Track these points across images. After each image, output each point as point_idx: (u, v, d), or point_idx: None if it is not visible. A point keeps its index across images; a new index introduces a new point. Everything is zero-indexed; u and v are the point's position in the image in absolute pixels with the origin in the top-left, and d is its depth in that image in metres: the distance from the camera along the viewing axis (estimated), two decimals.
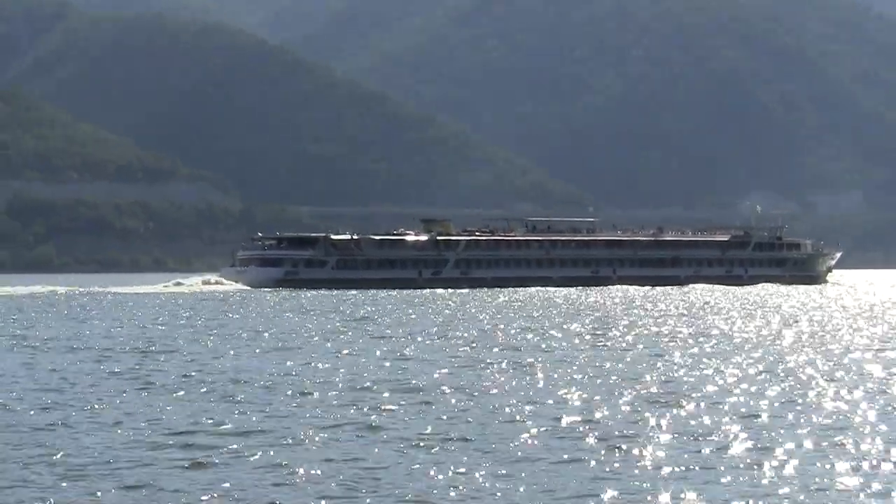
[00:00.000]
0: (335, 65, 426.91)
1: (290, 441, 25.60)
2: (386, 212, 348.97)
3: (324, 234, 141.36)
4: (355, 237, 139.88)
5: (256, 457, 23.85)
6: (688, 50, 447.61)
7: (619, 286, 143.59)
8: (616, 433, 26.28)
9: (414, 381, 36.62)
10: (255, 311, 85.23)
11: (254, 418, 29.00)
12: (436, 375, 38.36)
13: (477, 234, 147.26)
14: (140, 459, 23.89)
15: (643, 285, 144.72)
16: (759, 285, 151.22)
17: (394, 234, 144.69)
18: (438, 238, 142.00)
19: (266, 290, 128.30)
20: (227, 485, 21.34)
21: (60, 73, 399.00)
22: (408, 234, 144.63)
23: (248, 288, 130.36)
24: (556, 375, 37.96)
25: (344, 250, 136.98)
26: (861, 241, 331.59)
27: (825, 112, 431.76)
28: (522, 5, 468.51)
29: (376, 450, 24.60)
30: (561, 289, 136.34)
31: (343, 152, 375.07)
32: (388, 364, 42.37)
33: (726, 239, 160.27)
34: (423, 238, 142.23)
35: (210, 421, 28.70)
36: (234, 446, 25.09)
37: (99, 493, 20.90)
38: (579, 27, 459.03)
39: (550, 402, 31.48)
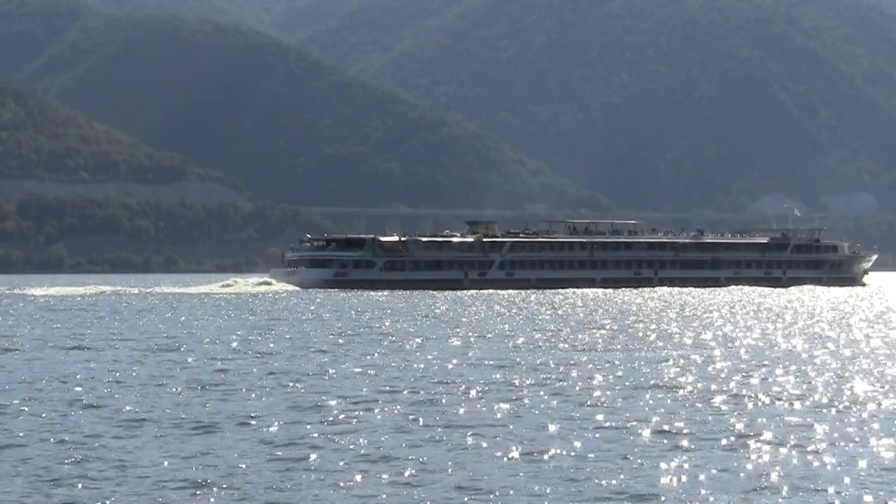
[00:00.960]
0: (347, 65, 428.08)
1: None
2: (398, 212, 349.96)
3: (372, 236, 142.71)
4: (403, 238, 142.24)
5: None
6: (701, 50, 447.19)
7: (663, 287, 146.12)
8: None
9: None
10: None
11: None
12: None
13: (521, 236, 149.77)
14: None
15: (684, 286, 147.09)
16: (799, 287, 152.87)
17: (440, 236, 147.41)
18: (484, 240, 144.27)
19: (316, 290, 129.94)
20: None
21: (73, 73, 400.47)
22: (454, 235, 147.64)
23: (298, 288, 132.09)
24: None
25: (392, 252, 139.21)
26: (873, 242, 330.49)
27: (839, 113, 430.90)
28: (536, 6, 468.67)
29: None
30: (605, 290, 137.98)
31: (355, 152, 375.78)
32: None
33: (765, 241, 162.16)
34: (469, 240, 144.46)
35: None
36: None
37: None
38: (593, 27, 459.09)
39: None
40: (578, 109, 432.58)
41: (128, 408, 31.74)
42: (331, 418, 29.83)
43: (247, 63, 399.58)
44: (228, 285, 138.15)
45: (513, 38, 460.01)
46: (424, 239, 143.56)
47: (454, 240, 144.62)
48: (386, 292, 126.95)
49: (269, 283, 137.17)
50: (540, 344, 52.64)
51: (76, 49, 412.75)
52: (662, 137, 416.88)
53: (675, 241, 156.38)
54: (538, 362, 43.60)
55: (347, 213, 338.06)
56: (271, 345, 52.48)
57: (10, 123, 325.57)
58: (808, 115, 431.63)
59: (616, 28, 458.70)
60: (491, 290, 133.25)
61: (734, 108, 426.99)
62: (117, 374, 39.95)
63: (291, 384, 36.96)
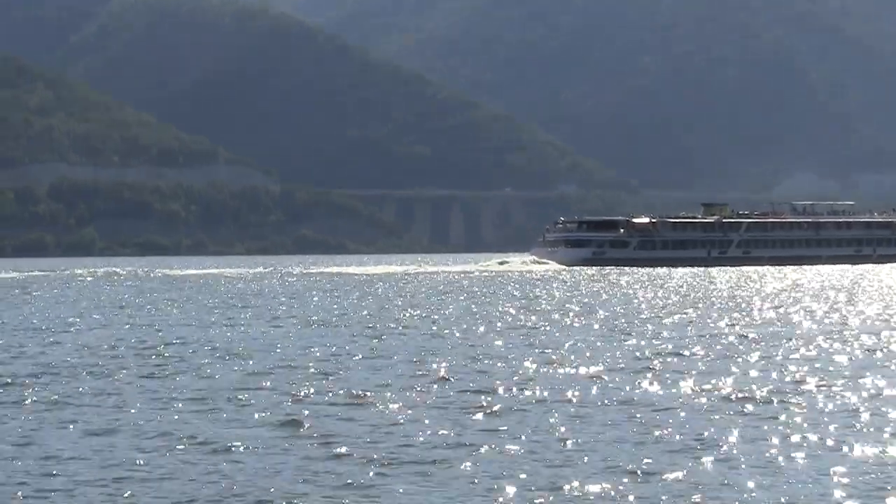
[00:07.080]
0: (373, 47, 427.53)
1: None
2: (429, 195, 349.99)
3: (626, 218, 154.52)
4: (653, 220, 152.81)
5: None
6: (729, 30, 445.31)
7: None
8: None
9: None
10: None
11: None
12: None
13: (752, 217, 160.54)
14: None
15: None
16: None
17: (683, 218, 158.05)
18: (724, 221, 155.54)
19: (576, 268, 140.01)
20: None
21: (103, 57, 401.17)
22: (694, 217, 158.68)
23: (561, 266, 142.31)
24: None
25: (644, 232, 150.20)
26: None
27: (867, 90, 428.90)
28: None
29: None
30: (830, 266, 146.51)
31: (384, 135, 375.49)
32: None
33: None
34: (710, 221, 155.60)
35: None
36: None
37: None
38: (620, 7, 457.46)
39: None
40: (605, 90, 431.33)
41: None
42: None
43: (273, 46, 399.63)
44: (505, 262, 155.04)
45: (539, 20, 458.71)
46: (672, 220, 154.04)
47: (699, 220, 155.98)
48: (664, 269, 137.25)
49: (537, 262, 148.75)
50: None
51: (105, 33, 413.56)
52: (690, 117, 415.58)
53: (891, 220, 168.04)
54: None
55: (377, 195, 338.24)
56: None
57: (41, 108, 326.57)
58: (837, 93, 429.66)
59: (643, 7, 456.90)
60: (730, 267, 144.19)
61: (762, 86, 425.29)
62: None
63: None
